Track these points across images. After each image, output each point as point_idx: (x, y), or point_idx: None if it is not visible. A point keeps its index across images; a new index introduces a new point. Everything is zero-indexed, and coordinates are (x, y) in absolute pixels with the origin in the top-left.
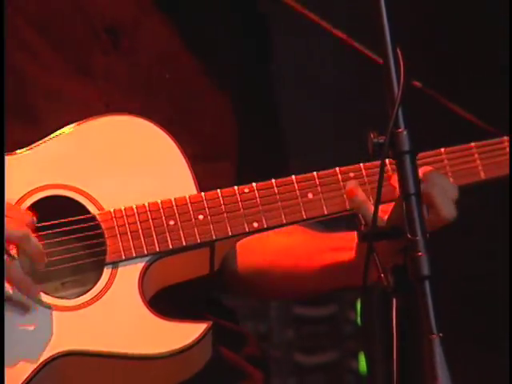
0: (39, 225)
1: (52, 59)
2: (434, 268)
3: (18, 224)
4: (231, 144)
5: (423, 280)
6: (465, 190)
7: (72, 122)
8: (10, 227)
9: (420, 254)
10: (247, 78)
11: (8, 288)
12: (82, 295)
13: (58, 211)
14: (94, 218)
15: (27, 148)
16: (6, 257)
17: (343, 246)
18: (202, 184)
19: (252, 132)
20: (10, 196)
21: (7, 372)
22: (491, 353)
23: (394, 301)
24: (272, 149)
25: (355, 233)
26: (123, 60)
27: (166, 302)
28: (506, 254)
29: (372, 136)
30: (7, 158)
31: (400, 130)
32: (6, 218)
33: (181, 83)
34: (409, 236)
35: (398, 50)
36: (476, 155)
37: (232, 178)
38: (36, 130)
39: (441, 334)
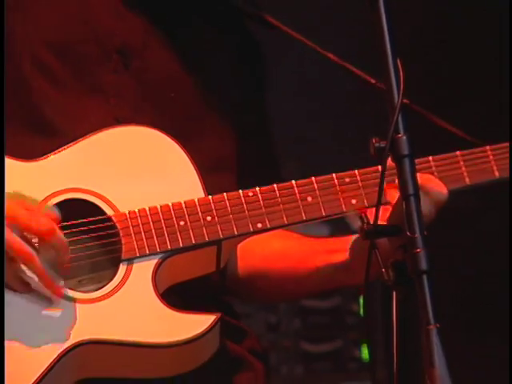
0: (60, 225)
1: (68, 80)
2: (433, 264)
3: (46, 218)
4: (231, 158)
5: (421, 274)
6: (465, 191)
7: (88, 132)
8: (39, 220)
9: (418, 250)
10: (245, 101)
11: (34, 279)
12: (98, 290)
13: (76, 213)
14: (110, 219)
15: (46, 155)
16: (30, 249)
17: (337, 248)
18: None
19: (249, 146)
20: (33, 198)
21: (31, 358)
22: (491, 344)
23: (395, 293)
24: (266, 161)
25: (349, 236)
26: (133, 79)
27: (176, 298)
28: (506, 253)
29: (374, 141)
30: (29, 165)
31: (400, 135)
32: (33, 213)
33: (184, 103)
34: (408, 234)
35: (398, 60)
36: (461, 162)
37: (233, 188)
38: (55, 143)
39: (438, 325)
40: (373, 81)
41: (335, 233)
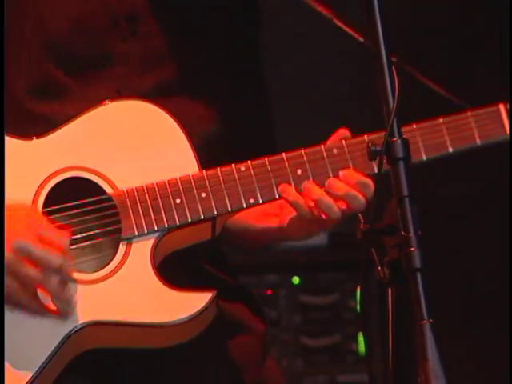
0: (59, 206)
1: (74, 54)
2: (427, 262)
3: (55, 252)
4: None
5: (415, 272)
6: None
7: (88, 109)
8: (48, 255)
9: (413, 249)
10: (239, 53)
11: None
12: (100, 270)
13: (77, 192)
14: (109, 198)
15: (44, 135)
16: (39, 274)
17: (274, 213)
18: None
19: (245, 107)
20: (33, 180)
21: (38, 341)
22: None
23: (390, 290)
24: (260, 121)
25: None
26: (140, 45)
27: (173, 267)
28: (506, 252)
29: (370, 144)
30: (28, 143)
31: (395, 139)
32: (44, 246)
33: (184, 66)
34: (403, 233)
35: (393, 66)
36: (444, 130)
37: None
38: (46, 127)
39: (431, 320)
40: (361, 39)
41: (335, 232)
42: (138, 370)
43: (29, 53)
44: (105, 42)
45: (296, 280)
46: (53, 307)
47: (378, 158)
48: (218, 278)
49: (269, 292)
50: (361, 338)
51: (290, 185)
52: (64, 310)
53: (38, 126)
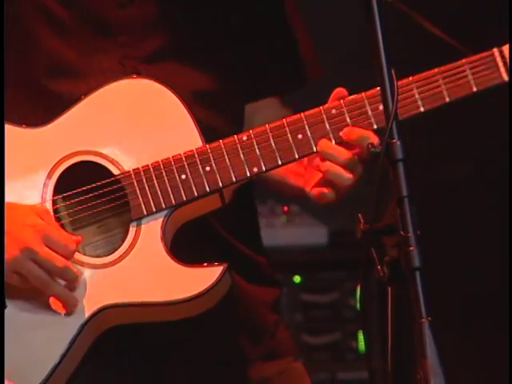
0: (67, 194)
1: (74, 28)
2: (425, 261)
3: (59, 257)
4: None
5: (414, 271)
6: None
7: (89, 91)
8: (51, 259)
9: (412, 248)
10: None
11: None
12: (112, 253)
13: (85, 176)
14: (117, 181)
15: (50, 121)
16: (45, 276)
17: (302, 173)
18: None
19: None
20: (42, 167)
21: (57, 329)
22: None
23: (390, 289)
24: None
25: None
26: (139, 11)
27: (185, 242)
28: (506, 252)
29: (370, 146)
30: (34, 132)
31: (394, 141)
32: (48, 251)
33: (190, 19)
34: (402, 233)
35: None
36: (440, 81)
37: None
38: (64, 104)
39: (429, 318)
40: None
41: (335, 232)
42: (156, 345)
43: (31, 30)
44: (101, 11)
45: (297, 279)
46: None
47: (377, 158)
48: (230, 243)
49: None
50: (361, 336)
51: (292, 151)
52: (69, 311)
53: (52, 104)
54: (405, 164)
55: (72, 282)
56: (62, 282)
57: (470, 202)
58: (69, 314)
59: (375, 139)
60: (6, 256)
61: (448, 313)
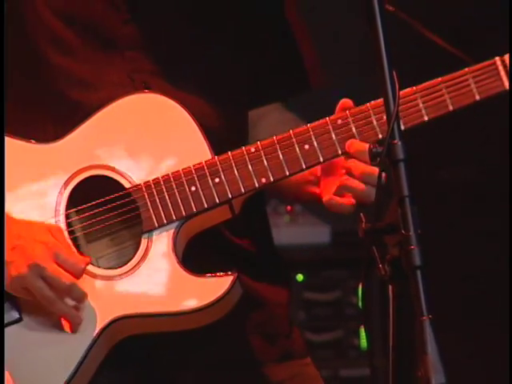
0: (83, 207)
1: (80, 46)
2: (426, 260)
3: (66, 276)
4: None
5: (415, 269)
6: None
7: (101, 105)
8: (58, 277)
9: (413, 247)
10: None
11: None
12: (124, 265)
13: (97, 190)
14: (128, 194)
15: (63, 136)
16: (51, 295)
17: (314, 181)
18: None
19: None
20: (55, 181)
21: (70, 343)
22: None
23: (391, 287)
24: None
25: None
26: (143, 25)
27: (195, 254)
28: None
29: (371, 146)
30: (48, 147)
31: (395, 142)
32: (57, 268)
33: (194, 26)
34: (403, 232)
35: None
36: (443, 90)
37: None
38: (73, 115)
39: (430, 316)
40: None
41: (338, 231)
42: (169, 351)
43: (38, 49)
44: (105, 27)
45: (300, 277)
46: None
47: (378, 159)
48: (240, 248)
49: None
50: (363, 334)
51: (300, 162)
52: (74, 329)
53: (63, 117)
54: (406, 164)
55: (79, 300)
56: (70, 302)
57: (471, 203)
58: (74, 332)
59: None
60: (15, 272)
61: (449, 311)
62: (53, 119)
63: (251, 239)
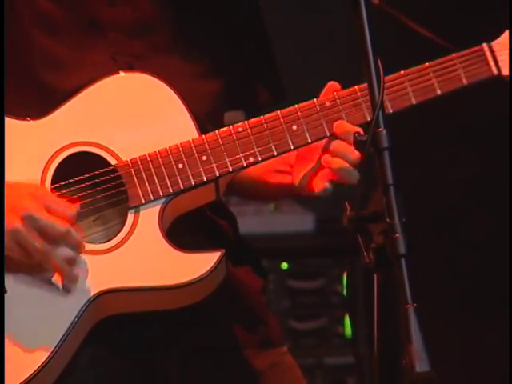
0: (66, 182)
1: (66, 24)
2: (411, 248)
3: (61, 220)
4: (220, 64)
5: (400, 258)
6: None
7: (83, 86)
8: (54, 224)
9: (397, 235)
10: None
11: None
12: (110, 240)
13: (83, 166)
14: (114, 170)
15: (49, 112)
16: (45, 247)
17: (286, 170)
18: (192, 104)
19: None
20: (39, 159)
21: (57, 313)
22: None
23: (375, 275)
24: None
25: (295, 154)
26: (127, 8)
27: (182, 232)
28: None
29: (356, 135)
30: (33, 123)
31: (380, 130)
32: (50, 216)
33: (177, 17)
34: (388, 220)
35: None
36: (431, 74)
37: (220, 98)
38: (51, 100)
39: (415, 304)
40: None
41: (322, 219)
42: (153, 334)
43: (23, 27)
44: (91, 8)
45: (284, 265)
46: (57, 281)
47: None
48: (222, 229)
49: None
50: (347, 322)
51: (287, 142)
52: (68, 288)
53: (45, 98)
54: (391, 152)
55: (76, 246)
56: (66, 252)
57: (468, 199)
58: (67, 290)
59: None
60: (8, 227)
61: (438, 300)
62: (36, 98)
63: (228, 222)
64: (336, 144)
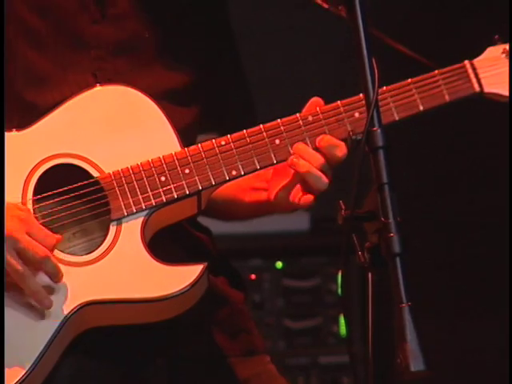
0: (47, 194)
1: (49, 39)
2: (405, 247)
3: (41, 247)
4: (198, 85)
5: (395, 257)
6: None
7: (65, 99)
8: (35, 248)
9: (392, 234)
10: (214, 32)
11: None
12: (92, 252)
13: (65, 178)
14: (97, 182)
15: (28, 126)
16: (23, 270)
17: (260, 186)
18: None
19: (220, 78)
20: (21, 171)
21: (37, 326)
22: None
23: (370, 274)
24: (239, 94)
25: (269, 172)
26: (111, 27)
27: (163, 246)
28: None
29: (351, 134)
30: (14, 135)
31: (375, 129)
32: (31, 241)
33: (159, 38)
34: (382, 219)
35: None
36: (414, 90)
37: (196, 119)
38: (33, 115)
39: (410, 303)
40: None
41: (317, 218)
42: (135, 346)
43: (9, 40)
44: (76, 25)
45: (279, 264)
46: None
47: (358, 146)
48: (200, 241)
49: (253, 276)
50: (342, 321)
51: (270, 156)
52: (41, 311)
53: (26, 113)
54: (385, 151)
55: (53, 275)
56: (43, 278)
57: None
58: (42, 315)
59: (343, 150)
60: None
61: (438, 300)
62: (18, 113)
63: (205, 235)
64: (300, 149)
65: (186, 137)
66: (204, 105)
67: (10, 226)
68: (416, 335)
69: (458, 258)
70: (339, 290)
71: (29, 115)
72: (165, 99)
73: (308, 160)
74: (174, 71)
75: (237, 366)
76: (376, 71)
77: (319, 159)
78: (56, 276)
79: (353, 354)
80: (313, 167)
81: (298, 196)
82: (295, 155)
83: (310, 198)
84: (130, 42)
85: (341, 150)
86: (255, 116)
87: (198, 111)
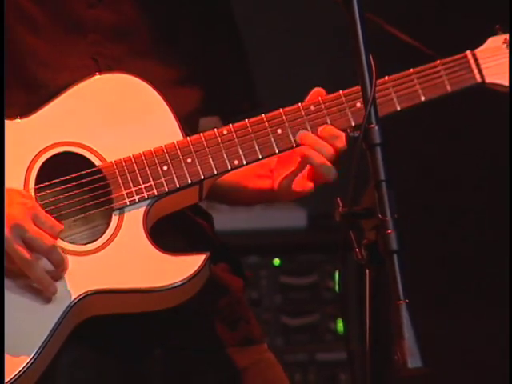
0: (49, 182)
1: (47, 24)
2: (403, 244)
3: (47, 236)
4: (198, 70)
5: (392, 254)
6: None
7: (67, 85)
8: (42, 238)
9: (389, 231)
10: (213, 13)
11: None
12: (95, 241)
13: (67, 167)
14: (99, 171)
15: (32, 112)
16: (29, 257)
17: (266, 175)
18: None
19: (219, 61)
20: (23, 159)
21: (39, 315)
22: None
23: (368, 271)
24: (237, 76)
25: (274, 160)
26: (107, 10)
27: (165, 235)
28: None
29: (348, 131)
30: (17, 123)
31: (372, 126)
32: (37, 229)
33: (157, 23)
34: (380, 216)
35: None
36: (415, 80)
37: (197, 103)
38: (38, 97)
39: (407, 300)
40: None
41: (314, 215)
42: (136, 333)
43: (7, 27)
44: (72, 9)
45: (276, 261)
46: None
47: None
48: (201, 228)
49: (250, 273)
50: (339, 318)
51: (272, 145)
52: (47, 297)
53: (36, 93)
54: (383, 148)
55: (57, 263)
56: (48, 266)
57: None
58: (47, 301)
59: (343, 141)
60: None
61: (438, 300)
62: (20, 93)
63: (207, 221)
64: (308, 139)
65: (189, 123)
66: (205, 89)
67: (15, 213)
68: (413, 332)
69: (458, 257)
70: (337, 287)
71: (34, 96)
72: (166, 86)
73: (319, 151)
74: (173, 57)
75: (235, 355)
76: (373, 68)
77: (330, 150)
78: (60, 265)
79: (350, 350)
80: (325, 159)
81: (302, 184)
82: (306, 147)
83: (311, 185)
84: (128, 27)
85: (341, 141)
86: (257, 97)
87: (199, 96)
